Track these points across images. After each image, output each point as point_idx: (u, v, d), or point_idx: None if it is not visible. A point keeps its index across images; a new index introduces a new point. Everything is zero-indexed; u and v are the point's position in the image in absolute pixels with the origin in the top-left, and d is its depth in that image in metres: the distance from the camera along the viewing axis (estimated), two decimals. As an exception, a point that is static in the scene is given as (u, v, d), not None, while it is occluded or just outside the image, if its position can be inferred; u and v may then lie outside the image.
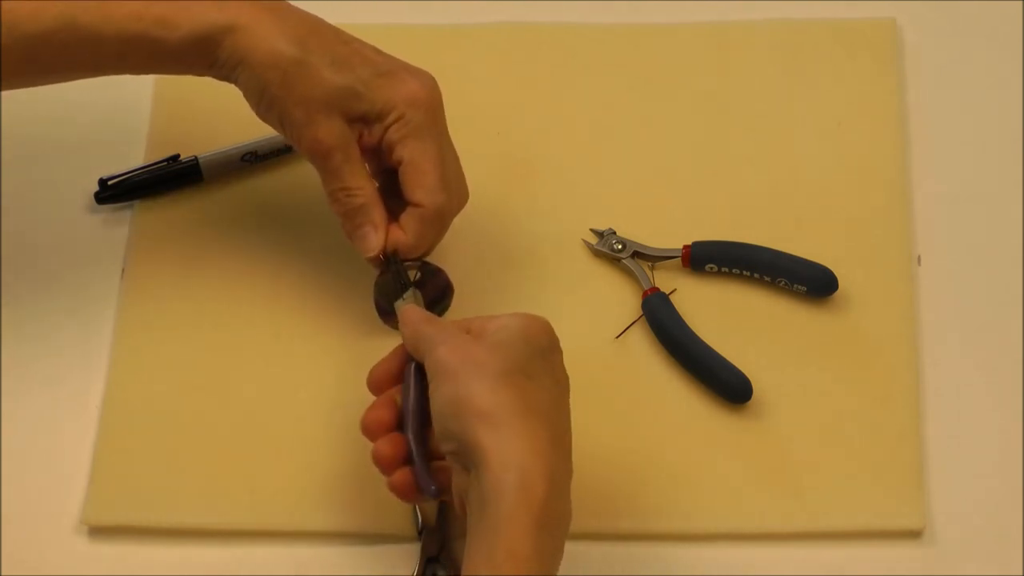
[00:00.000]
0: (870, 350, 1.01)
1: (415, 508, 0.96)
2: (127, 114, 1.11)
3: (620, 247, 1.05)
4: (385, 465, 0.89)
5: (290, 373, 1.02)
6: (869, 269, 1.04)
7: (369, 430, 0.90)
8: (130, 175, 1.08)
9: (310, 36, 0.94)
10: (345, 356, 1.02)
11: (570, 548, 0.95)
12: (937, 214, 1.07)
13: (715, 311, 1.03)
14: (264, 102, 0.94)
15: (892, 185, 1.07)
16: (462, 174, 0.98)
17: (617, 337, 1.03)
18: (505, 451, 0.82)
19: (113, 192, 1.08)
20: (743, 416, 0.99)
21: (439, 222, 0.96)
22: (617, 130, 1.11)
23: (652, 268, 1.05)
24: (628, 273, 1.05)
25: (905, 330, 1.02)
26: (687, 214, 1.07)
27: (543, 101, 1.12)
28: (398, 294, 0.96)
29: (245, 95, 0.95)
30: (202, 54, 0.93)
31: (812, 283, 1.02)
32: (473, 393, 0.84)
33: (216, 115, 1.09)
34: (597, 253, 1.06)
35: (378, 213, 0.96)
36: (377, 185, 0.97)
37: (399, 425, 0.90)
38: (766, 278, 1.03)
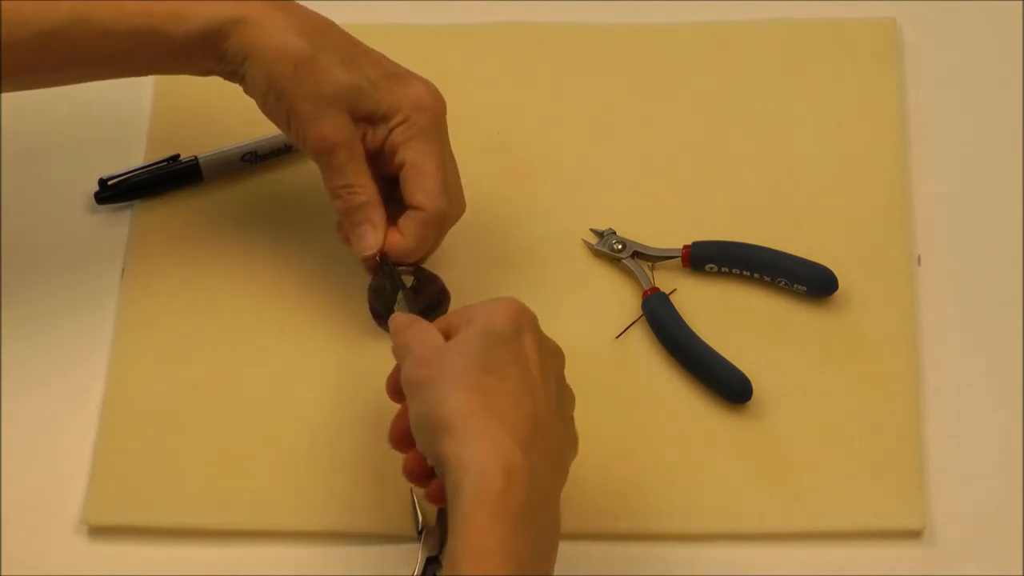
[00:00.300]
0: (870, 350, 1.01)
1: (415, 508, 0.96)
2: (127, 114, 1.12)
3: (620, 247, 1.05)
4: (416, 479, 0.89)
5: (290, 373, 1.02)
6: (869, 269, 1.04)
7: (394, 440, 0.90)
8: (130, 175, 1.08)
9: (320, 33, 0.94)
10: (345, 356, 1.02)
11: (570, 548, 0.96)
12: (937, 214, 1.07)
13: (715, 311, 1.03)
14: (272, 95, 0.94)
15: (892, 185, 1.07)
16: (461, 184, 0.98)
17: (617, 337, 1.03)
18: (460, 455, 0.81)
19: (113, 192, 1.08)
20: (743, 416, 0.99)
21: (438, 227, 0.96)
22: (617, 130, 1.11)
23: (652, 268, 1.05)
24: (628, 273, 1.05)
25: (905, 330, 1.02)
26: (687, 214, 1.07)
27: (543, 101, 1.12)
28: (392, 297, 0.96)
29: (250, 89, 0.95)
30: (210, 48, 0.93)
31: (812, 283, 1.02)
32: (431, 406, 0.84)
33: (216, 115, 1.10)
34: (597, 253, 1.06)
35: (378, 213, 0.96)
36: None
37: None
38: (766, 278, 1.03)
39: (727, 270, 1.04)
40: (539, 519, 0.82)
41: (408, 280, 0.98)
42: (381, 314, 0.98)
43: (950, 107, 1.11)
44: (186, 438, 1.00)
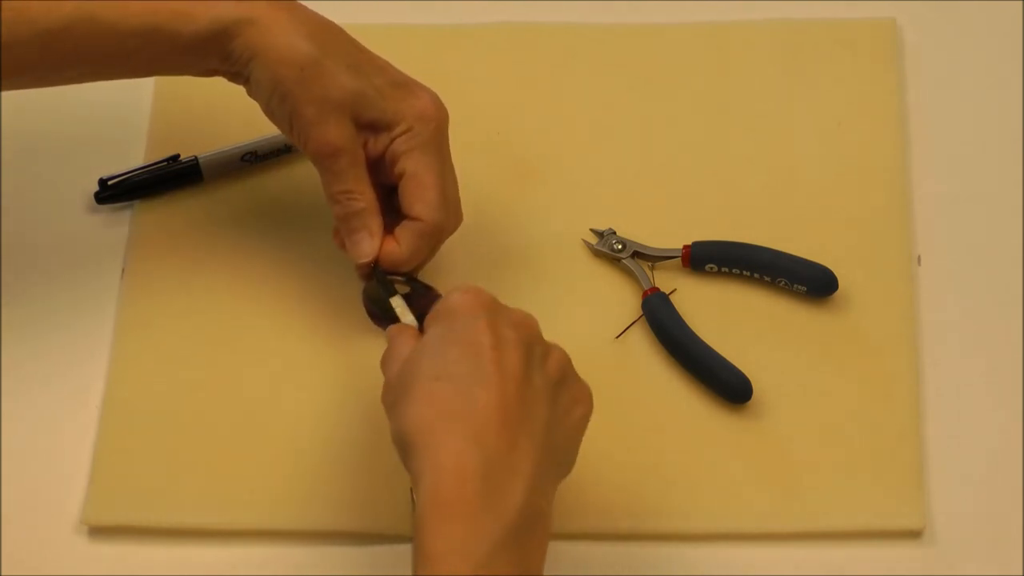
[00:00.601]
0: (870, 350, 1.01)
1: (415, 508, 0.96)
2: (127, 114, 1.12)
3: (620, 247, 1.05)
4: None
5: (290, 373, 1.02)
6: (869, 269, 1.04)
7: None
8: (130, 175, 1.08)
9: (327, 38, 0.94)
10: (345, 356, 1.02)
11: (570, 548, 0.96)
12: (937, 214, 1.07)
13: (715, 311, 1.03)
14: (276, 98, 0.93)
15: (892, 185, 1.07)
16: (459, 197, 0.97)
17: (617, 337, 1.03)
18: (419, 469, 0.82)
19: (113, 192, 1.08)
20: (743, 416, 0.99)
21: (434, 238, 0.96)
22: (617, 130, 1.11)
23: (652, 268, 1.05)
24: (628, 273, 1.05)
25: (905, 330, 1.02)
26: (687, 214, 1.07)
27: (543, 101, 1.12)
28: (386, 301, 0.96)
29: (254, 90, 0.94)
30: (216, 47, 0.93)
31: (812, 283, 1.02)
32: (396, 427, 0.84)
33: (216, 115, 1.10)
34: (597, 253, 1.06)
35: (375, 221, 0.96)
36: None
37: None
38: (766, 278, 1.03)
39: (727, 270, 1.04)
40: (506, 507, 0.81)
41: (402, 289, 0.97)
42: (379, 316, 0.98)
43: (950, 107, 1.11)
44: (186, 438, 1.00)
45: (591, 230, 1.06)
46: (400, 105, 0.95)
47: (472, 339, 0.85)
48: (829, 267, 1.02)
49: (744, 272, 1.04)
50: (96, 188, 1.08)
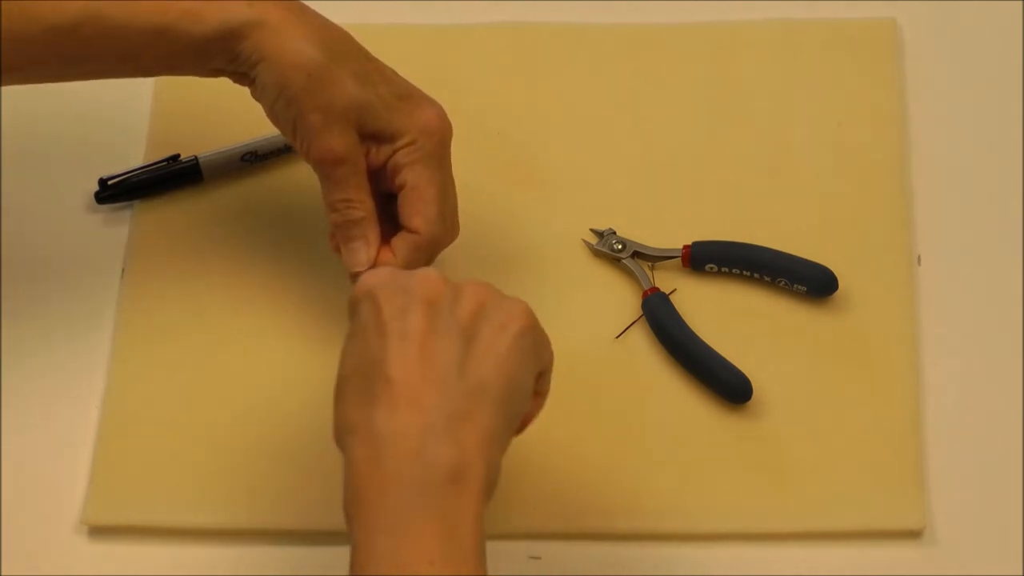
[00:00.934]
0: (870, 350, 1.01)
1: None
2: (127, 114, 1.12)
3: (620, 247, 1.05)
4: None
5: (290, 373, 1.02)
6: (869, 269, 1.04)
7: None
8: (130, 175, 1.08)
9: (336, 45, 0.94)
10: (345, 356, 1.02)
11: (570, 548, 0.96)
12: (937, 214, 1.07)
13: (715, 311, 1.03)
14: (281, 102, 0.93)
15: (892, 185, 1.07)
16: (457, 211, 0.97)
17: (617, 337, 1.03)
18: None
19: (113, 192, 1.08)
20: (743, 416, 0.99)
21: (430, 251, 0.96)
22: (617, 130, 1.11)
23: (652, 268, 1.05)
24: (628, 273, 1.05)
25: (905, 330, 1.02)
26: (687, 214, 1.07)
27: (543, 101, 1.12)
28: None
29: (259, 93, 0.94)
30: (224, 48, 0.93)
31: (812, 283, 1.02)
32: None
33: (216, 115, 1.09)
34: (597, 253, 1.06)
35: (373, 231, 0.96)
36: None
37: None
38: (766, 278, 1.03)
39: (727, 270, 1.04)
40: (418, 471, 0.79)
41: None
42: None
43: (950, 107, 1.11)
44: (186, 438, 1.00)
45: (591, 230, 1.06)
46: (405, 117, 0.94)
47: (367, 324, 0.84)
48: (829, 267, 1.02)
49: (744, 272, 1.04)
50: (96, 188, 1.08)
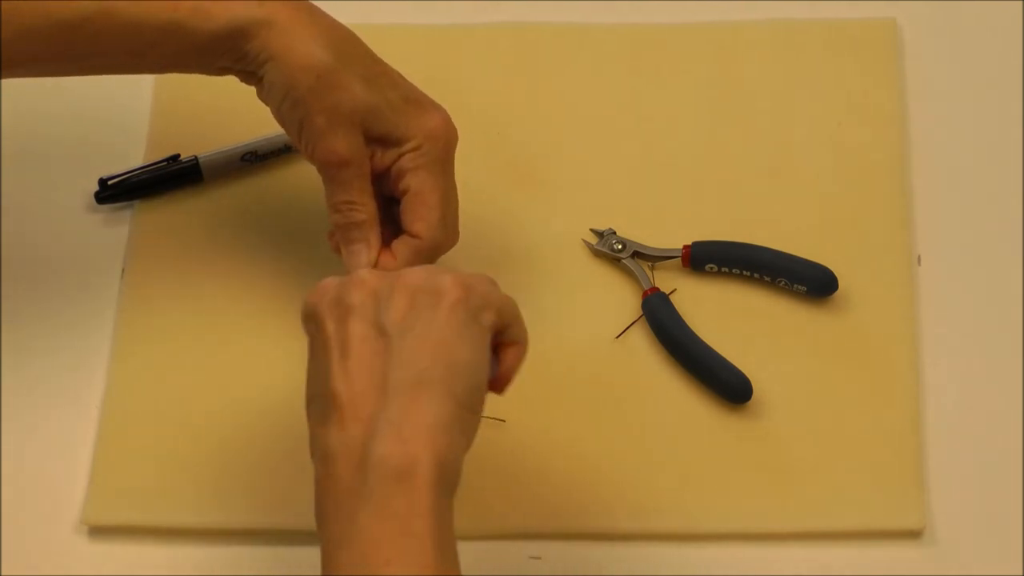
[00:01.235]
0: (870, 350, 1.01)
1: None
2: (127, 114, 1.12)
3: (620, 247, 1.05)
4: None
5: (290, 372, 1.01)
6: (869, 269, 1.04)
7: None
8: (130, 175, 1.08)
9: (345, 47, 0.94)
10: (345, 356, 1.02)
11: (570, 548, 0.96)
12: (937, 214, 1.07)
13: (715, 311, 1.03)
14: (288, 102, 0.93)
15: (892, 185, 1.07)
16: (458, 217, 0.97)
17: (617, 337, 1.03)
18: None
19: (113, 192, 1.08)
20: (743, 416, 0.99)
21: (430, 256, 0.96)
22: (617, 130, 1.11)
23: (652, 268, 1.05)
24: (628, 273, 1.05)
25: (905, 330, 1.02)
26: (687, 214, 1.07)
27: (543, 101, 1.12)
28: None
29: (266, 93, 0.94)
30: (233, 46, 0.92)
31: (812, 283, 1.02)
32: None
33: (216, 115, 1.10)
34: (597, 253, 1.06)
35: (374, 234, 0.96)
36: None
37: None
38: (766, 278, 1.03)
39: (727, 270, 1.04)
40: (359, 473, 0.79)
41: None
42: None
43: (950, 107, 1.11)
44: (186, 438, 1.00)
45: (591, 230, 1.06)
46: (412, 121, 0.94)
47: (315, 344, 0.84)
48: (829, 267, 1.02)
49: (744, 272, 1.04)
50: (96, 188, 1.08)
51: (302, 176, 1.07)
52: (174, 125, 1.11)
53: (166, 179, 1.08)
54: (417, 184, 0.95)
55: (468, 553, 0.95)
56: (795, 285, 1.03)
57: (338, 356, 0.82)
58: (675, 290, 1.03)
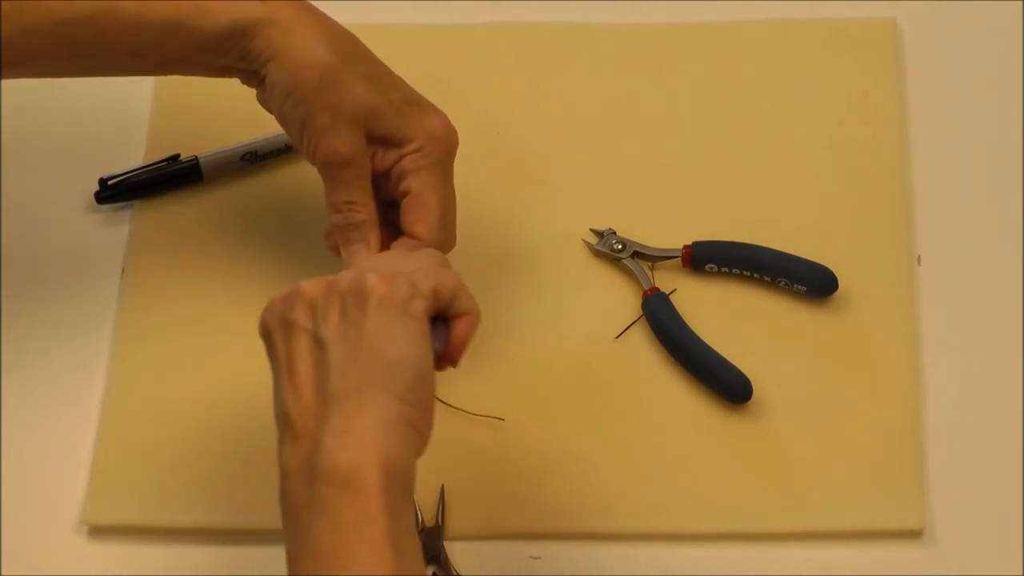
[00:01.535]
0: (870, 350, 1.01)
1: (415, 508, 0.96)
2: (127, 114, 1.12)
3: (620, 247, 1.05)
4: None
5: (290, 373, 1.02)
6: (869, 269, 1.04)
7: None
8: (130, 175, 1.08)
9: (347, 47, 0.94)
10: (345, 356, 1.02)
11: (570, 548, 0.96)
12: (937, 214, 1.07)
13: (715, 311, 1.03)
14: (290, 101, 0.93)
15: (892, 185, 1.07)
16: (456, 220, 0.97)
17: (617, 337, 1.03)
18: None
19: (113, 192, 1.08)
20: (743, 416, 0.99)
21: None
22: (617, 130, 1.11)
23: (652, 268, 1.05)
24: (628, 273, 1.05)
25: (905, 330, 1.02)
26: (687, 214, 1.07)
27: (543, 101, 1.12)
28: None
29: (268, 92, 0.94)
30: (235, 45, 0.92)
31: (812, 283, 1.02)
32: None
33: (216, 115, 1.10)
34: (597, 253, 1.06)
35: (374, 234, 0.96)
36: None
37: None
38: (766, 278, 1.03)
39: (727, 270, 1.04)
40: (304, 476, 0.80)
41: None
42: None
43: (950, 107, 1.11)
44: (186, 438, 1.00)
45: (591, 230, 1.06)
46: (413, 123, 0.94)
47: (272, 366, 0.84)
48: (829, 267, 1.02)
49: (744, 272, 1.04)
50: (96, 188, 1.08)
51: (302, 176, 1.07)
52: (174, 125, 1.11)
53: (166, 179, 1.08)
54: (418, 185, 0.95)
55: (468, 553, 0.96)
56: (795, 285, 1.03)
57: (286, 373, 0.82)
58: (675, 290, 1.03)
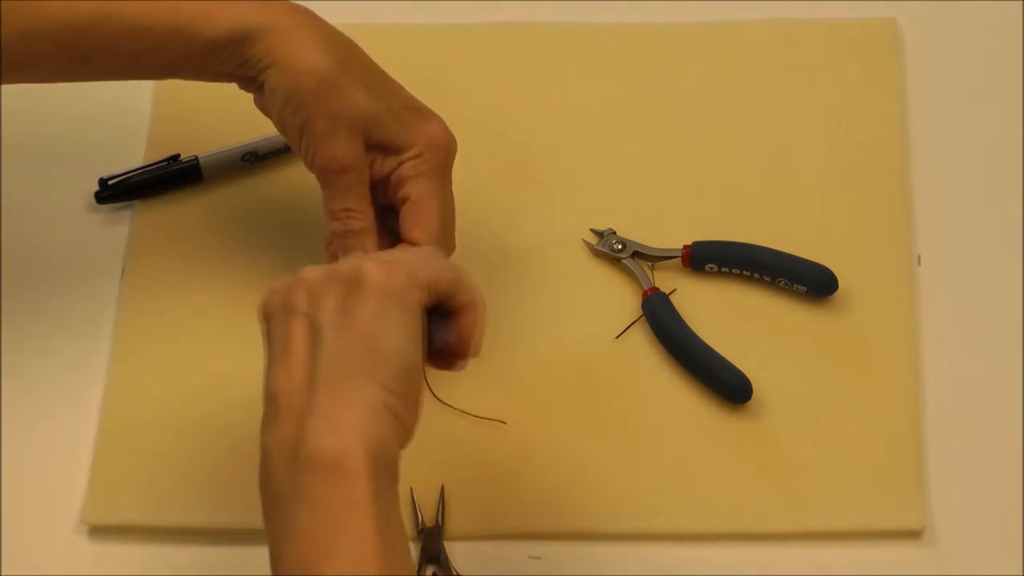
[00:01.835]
0: (870, 350, 1.01)
1: (415, 508, 0.96)
2: (127, 114, 1.12)
3: (620, 247, 1.05)
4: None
5: (290, 373, 1.02)
6: (869, 269, 1.04)
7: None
8: (130, 175, 1.08)
9: (347, 54, 0.93)
10: (345, 356, 1.02)
11: (570, 548, 0.96)
12: (937, 214, 1.07)
13: (715, 311, 1.03)
14: (289, 107, 0.93)
15: (892, 185, 1.07)
16: (455, 226, 0.97)
17: (617, 337, 1.03)
18: None
19: (113, 192, 1.08)
20: (743, 416, 0.99)
21: None
22: (617, 130, 1.11)
23: (652, 268, 1.05)
24: (628, 273, 1.05)
25: (905, 330, 1.02)
26: (687, 214, 1.07)
27: (543, 101, 1.12)
28: None
29: (267, 98, 0.93)
30: (234, 52, 0.92)
31: (812, 283, 1.02)
32: None
33: (216, 115, 1.10)
34: (597, 253, 1.06)
35: (372, 241, 0.96)
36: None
37: None
38: (766, 278, 1.03)
39: (727, 270, 1.04)
40: (284, 475, 0.79)
41: None
42: None
43: (950, 107, 1.11)
44: (186, 438, 1.00)
45: (591, 230, 1.06)
46: (413, 130, 0.94)
47: (265, 348, 0.83)
48: (829, 267, 1.02)
49: (744, 272, 1.04)
50: (96, 188, 1.08)
51: (302, 176, 1.06)
52: (174, 125, 1.11)
53: (166, 179, 1.08)
54: (417, 192, 0.94)
55: (468, 553, 0.96)
56: (795, 285, 1.03)
57: (280, 354, 0.82)
58: (675, 290, 1.03)
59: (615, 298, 1.04)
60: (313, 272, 0.84)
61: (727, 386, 0.99)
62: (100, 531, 0.98)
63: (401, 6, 1.16)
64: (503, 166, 1.09)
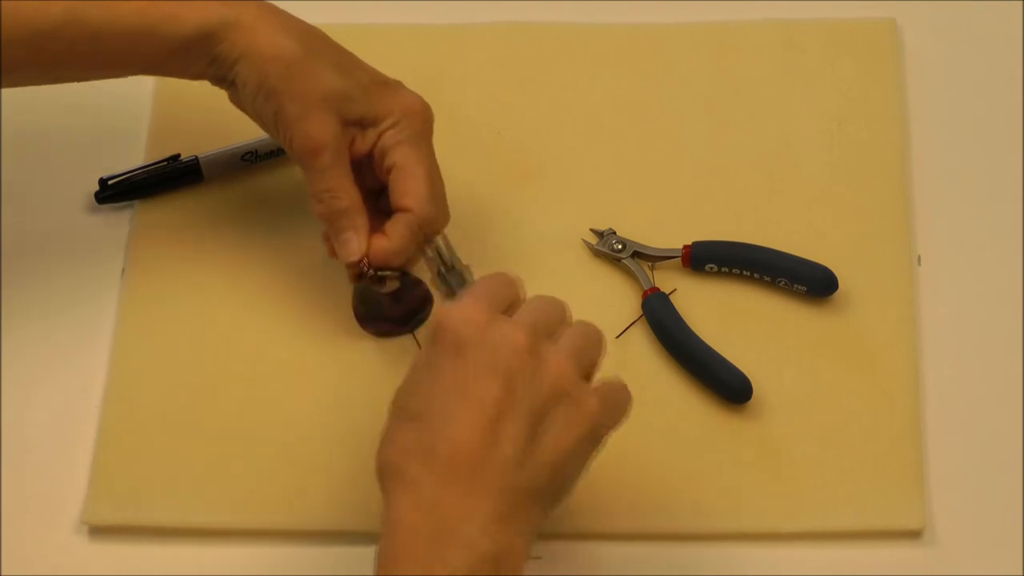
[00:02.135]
0: (870, 350, 1.01)
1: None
2: (127, 114, 1.12)
3: (620, 247, 1.05)
4: None
5: (289, 372, 1.02)
6: (869, 269, 1.04)
7: None
8: (130, 175, 1.08)
9: (312, 39, 0.94)
10: (344, 355, 1.02)
11: (570, 548, 0.96)
12: (937, 214, 1.07)
13: (715, 311, 1.03)
14: (261, 95, 0.94)
15: (892, 185, 1.07)
16: (445, 194, 0.97)
17: (617, 337, 1.03)
18: (382, 513, 0.83)
19: (113, 192, 1.08)
20: (743, 416, 0.99)
21: (424, 230, 0.96)
22: (617, 130, 1.11)
23: (652, 268, 1.05)
24: (628, 273, 1.05)
25: (905, 330, 1.02)
26: (687, 214, 1.07)
27: (543, 101, 1.12)
28: (378, 301, 0.97)
29: (240, 92, 0.95)
30: (203, 50, 0.93)
31: (812, 283, 1.02)
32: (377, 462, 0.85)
33: (216, 115, 1.09)
34: (597, 253, 1.06)
35: (360, 218, 0.96)
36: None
37: None
38: (766, 278, 1.03)
39: (727, 270, 1.04)
40: (460, 556, 0.79)
41: (392, 285, 0.97)
42: (365, 317, 0.99)
43: (950, 107, 1.11)
44: (186, 438, 1.00)
45: (591, 230, 1.06)
46: (387, 100, 0.95)
47: (446, 375, 0.82)
48: (829, 267, 1.02)
49: (744, 272, 1.04)
50: (96, 188, 1.08)
51: (302, 176, 1.07)
52: (174, 125, 1.11)
53: (166, 179, 1.08)
54: (401, 158, 0.95)
55: (468, 553, 0.95)
56: (795, 285, 1.03)
57: (475, 408, 0.80)
58: (675, 290, 1.03)
59: (615, 298, 1.04)
60: (524, 335, 0.82)
61: (727, 386, 0.99)
62: (100, 531, 0.98)
63: (401, 6, 1.16)
64: (503, 166, 1.09)
